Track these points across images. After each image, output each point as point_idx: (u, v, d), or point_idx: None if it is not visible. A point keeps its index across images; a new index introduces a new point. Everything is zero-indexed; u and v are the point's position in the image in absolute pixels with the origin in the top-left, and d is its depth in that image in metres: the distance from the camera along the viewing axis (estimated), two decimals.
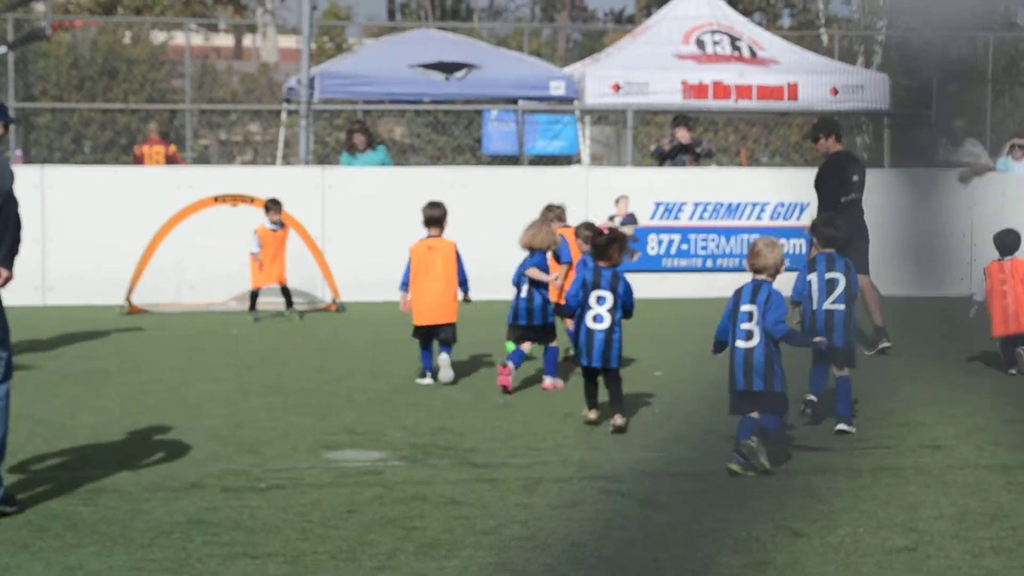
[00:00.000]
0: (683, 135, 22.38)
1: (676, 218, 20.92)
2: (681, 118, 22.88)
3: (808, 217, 20.76)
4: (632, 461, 9.89)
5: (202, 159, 30.64)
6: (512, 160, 26.84)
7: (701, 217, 20.94)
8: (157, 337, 16.56)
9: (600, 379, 11.45)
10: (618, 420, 11.13)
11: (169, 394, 12.70)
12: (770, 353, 9.92)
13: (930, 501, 8.87)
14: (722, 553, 7.71)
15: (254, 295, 18.32)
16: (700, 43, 24.71)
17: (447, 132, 29.98)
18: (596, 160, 30.34)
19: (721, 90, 23.78)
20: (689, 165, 22.21)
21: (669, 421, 11.52)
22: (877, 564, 7.58)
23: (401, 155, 30.72)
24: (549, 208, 14.85)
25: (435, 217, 13.79)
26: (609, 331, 11.29)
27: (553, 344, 13.47)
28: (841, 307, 11.28)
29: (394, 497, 8.82)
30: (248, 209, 18.72)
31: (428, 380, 13.39)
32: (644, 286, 20.57)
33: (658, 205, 20.87)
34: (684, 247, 20.94)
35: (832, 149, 15.87)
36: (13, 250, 8.37)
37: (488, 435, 10.89)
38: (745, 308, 10.03)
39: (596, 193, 20.72)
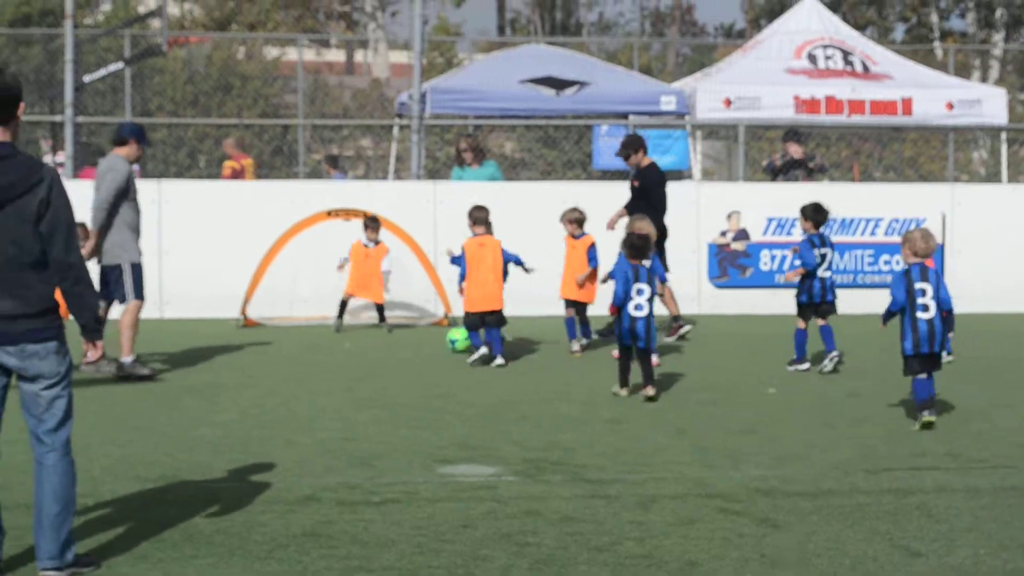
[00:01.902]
0: (795, 150, 22.24)
1: (788, 234, 20.77)
2: (793, 133, 22.76)
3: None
4: (747, 479, 9.83)
5: (315, 174, 30.89)
6: (623, 175, 26.84)
7: None
8: (271, 350, 16.71)
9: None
10: (650, 391, 13.20)
11: (283, 407, 12.80)
12: (940, 321, 11.99)
13: None
14: (838, 573, 7.64)
15: (343, 303, 18.53)
16: (812, 58, 24.56)
17: (557, 147, 30.05)
18: (707, 175, 30.23)
19: (834, 105, 23.63)
20: (802, 180, 22.06)
21: (783, 439, 11.43)
22: None
23: (511, 170, 30.80)
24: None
25: (482, 218, 16.04)
26: (648, 318, 13.42)
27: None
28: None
29: (508, 512, 8.83)
30: (360, 223, 18.86)
31: (483, 350, 15.56)
32: (757, 302, 20.58)
33: (770, 220, 20.75)
34: (797, 263, 20.75)
35: (643, 163, 17.77)
36: (92, 315, 7.56)
37: (598, 450, 10.86)
38: (919, 286, 11.98)
39: (707, 208, 20.67)
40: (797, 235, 20.69)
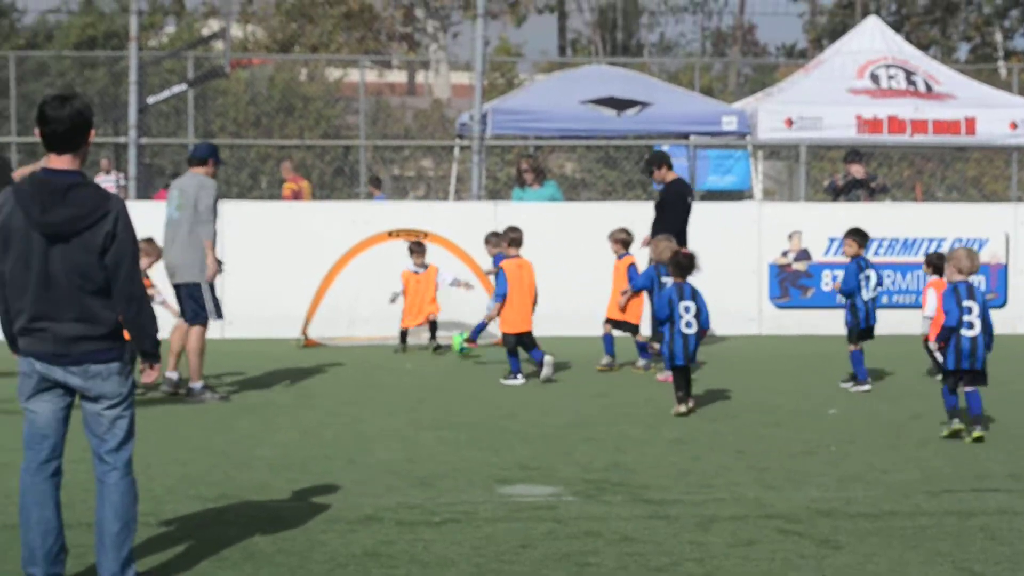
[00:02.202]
0: (857, 170, 22.15)
1: None
2: (855, 153, 22.66)
3: (988, 253, 20.45)
4: (808, 500, 9.78)
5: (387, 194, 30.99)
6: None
7: (876, 253, 20.67)
8: (332, 371, 16.76)
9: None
10: (683, 407, 13.55)
11: (344, 428, 12.83)
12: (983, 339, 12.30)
13: None
14: None
15: (403, 334, 18.64)
16: (874, 77, 24.45)
17: (618, 167, 30.03)
18: (768, 195, 30.16)
19: (896, 124, 23.49)
20: (863, 200, 21.96)
21: (845, 460, 11.37)
22: None
23: (572, 190, 30.83)
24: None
25: (518, 239, 16.30)
26: (698, 335, 13.79)
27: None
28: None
29: (568, 532, 8.81)
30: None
31: (520, 380, 15.73)
32: (818, 322, 20.47)
33: (832, 240, 20.65)
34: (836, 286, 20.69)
35: (668, 178, 17.79)
36: (152, 342, 7.59)
37: (661, 471, 10.84)
38: (966, 303, 12.25)
39: (768, 228, 20.61)
40: None
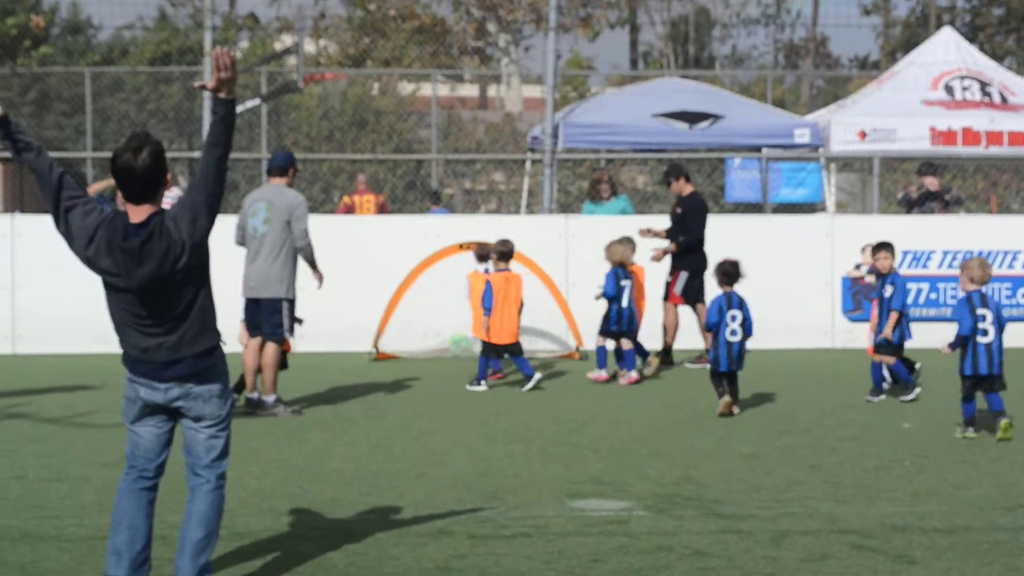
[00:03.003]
0: (931, 182, 21.99)
1: (925, 266, 20.54)
2: (929, 165, 22.50)
3: None
4: (881, 515, 9.70)
5: (448, 208, 31.05)
6: (756, 208, 26.71)
7: (951, 265, 20.52)
8: (403, 384, 16.80)
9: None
10: (736, 409, 14.30)
11: (415, 441, 12.86)
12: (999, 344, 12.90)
13: None
14: None
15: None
16: (949, 89, 24.27)
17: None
18: (841, 208, 30.00)
19: (971, 136, 23.31)
20: (937, 212, 21.81)
21: (920, 474, 11.28)
22: None
23: (643, 203, 30.77)
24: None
25: (509, 252, 16.84)
26: (742, 342, 14.41)
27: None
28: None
29: (639, 547, 8.79)
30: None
31: (483, 387, 16.34)
32: None
33: (906, 253, 20.51)
34: (933, 296, 20.56)
35: (684, 191, 18.60)
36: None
37: (732, 486, 10.79)
38: (980, 311, 12.86)
39: (841, 241, 20.49)
40: (933, 268, 20.52)
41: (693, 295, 18.46)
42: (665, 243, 18.57)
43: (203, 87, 7.48)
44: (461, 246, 18.94)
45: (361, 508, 9.87)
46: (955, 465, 11.64)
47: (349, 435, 13.14)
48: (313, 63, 39.81)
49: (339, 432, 13.31)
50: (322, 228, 20.49)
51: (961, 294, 13.28)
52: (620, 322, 16.97)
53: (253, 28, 43.90)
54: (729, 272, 14.61)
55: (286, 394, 15.16)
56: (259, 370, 14.45)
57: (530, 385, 16.24)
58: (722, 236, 20.01)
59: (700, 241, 18.45)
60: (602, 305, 17.04)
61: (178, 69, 33.76)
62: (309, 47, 40.97)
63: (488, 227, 20.29)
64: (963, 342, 12.88)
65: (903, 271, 20.37)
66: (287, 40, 41.23)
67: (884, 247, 15.59)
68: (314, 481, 10.87)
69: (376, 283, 19.34)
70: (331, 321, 19.60)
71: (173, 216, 7.22)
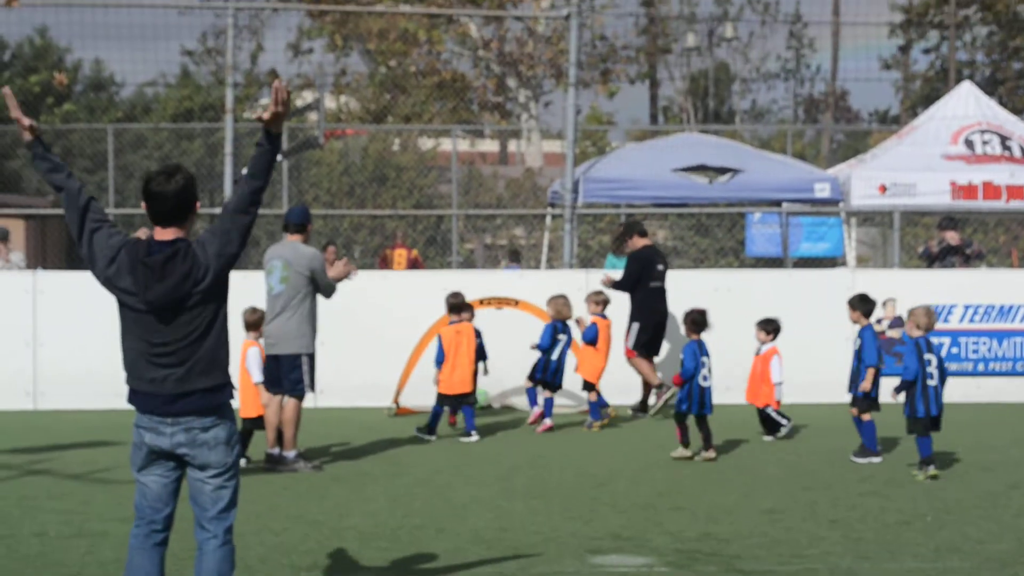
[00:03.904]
0: (952, 236, 21.98)
1: (946, 321, 20.48)
2: (949, 219, 22.48)
3: None
4: (903, 571, 9.66)
5: (468, 263, 31.11)
6: (776, 262, 26.69)
7: (972, 320, 20.48)
8: (423, 438, 16.76)
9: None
10: (712, 454, 14.93)
11: (435, 496, 12.84)
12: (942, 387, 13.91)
13: None
14: None
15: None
16: (969, 143, 24.26)
17: (710, 234, 29.98)
18: (862, 262, 29.98)
19: (991, 190, 23.28)
20: (958, 267, 21.78)
21: (941, 530, 11.23)
22: None
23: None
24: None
25: (458, 304, 17.31)
26: (710, 387, 15.10)
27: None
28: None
29: None
30: (512, 312, 18.96)
31: (433, 438, 16.56)
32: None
33: None
34: (955, 350, 20.50)
35: (638, 245, 19.33)
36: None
37: (753, 541, 10.75)
38: (926, 356, 13.84)
39: None
40: (955, 322, 20.45)
41: (642, 349, 18.91)
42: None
43: (259, 119, 7.61)
44: (481, 302, 18.94)
45: (381, 564, 9.86)
46: (977, 520, 11.59)
47: (369, 490, 13.13)
48: (334, 119, 39.98)
49: (359, 487, 13.30)
50: (344, 283, 20.53)
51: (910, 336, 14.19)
52: (546, 372, 17.67)
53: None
54: (698, 321, 15.34)
55: (306, 448, 15.15)
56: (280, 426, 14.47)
57: (467, 440, 16.60)
58: (742, 290, 20.04)
59: (657, 296, 19.13)
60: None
61: (200, 126, 33.94)
62: (330, 103, 41.17)
63: (508, 282, 20.32)
64: (909, 386, 13.85)
65: None
66: (308, 96, 41.43)
67: (861, 301, 15.71)
68: (333, 537, 10.86)
69: (396, 338, 19.33)
70: (351, 376, 19.61)
71: (202, 241, 7.30)
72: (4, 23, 47.45)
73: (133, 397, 7.40)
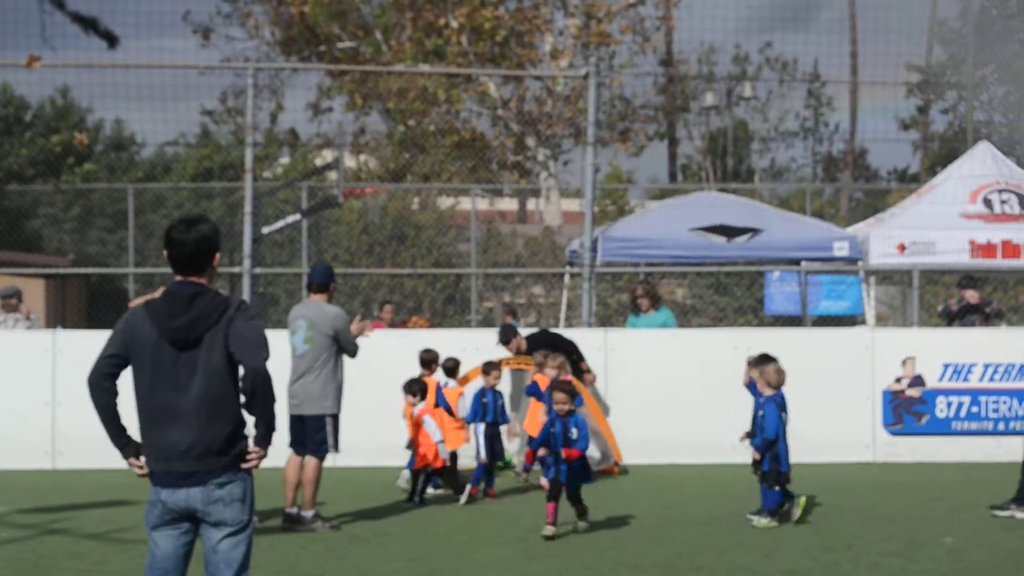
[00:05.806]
0: (972, 295, 21.94)
1: (966, 380, 20.41)
2: (969, 278, 22.45)
3: None
4: None
5: (487, 322, 31.10)
6: (795, 321, 26.65)
7: (992, 379, 20.41)
8: (443, 498, 16.73)
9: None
10: (584, 523, 14.42)
11: (455, 557, 12.79)
12: None
13: None
14: None
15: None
16: (987, 202, 24.26)
17: (729, 293, 29.96)
18: (881, 320, 29.91)
19: (1011, 249, 23.26)
20: (978, 325, 21.72)
21: None
22: None
23: (683, 316, 30.75)
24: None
25: (428, 360, 17.49)
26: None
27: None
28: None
29: None
30: (528, 372, 18.94)
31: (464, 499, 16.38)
32: (933, 449, 20.18)
33: (947, 366, 20.41)
34: (974, 409, 20.40)
35: (522, 346, 19.12)
36: (270, 427, 7.60)
37: None
38: (783, 415, 14.58)
39: (882, 354, 20.40)
40: (975, 381, 20.37)
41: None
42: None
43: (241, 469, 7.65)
44: (501, 361, 18.92)
45: None
46: None
47: (387, 551, 13.10)
48: (353, 178, 40.07)
49: (377, 547, 13.27)
50: (362, 342, 20.53)
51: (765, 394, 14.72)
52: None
53: (294, 144, 44.32)
54: (568, 391, 14.76)
55: (325, 508, 15.13)
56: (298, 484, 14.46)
57: (411, 500, 16.46)
58: (761, 349, 19.95)
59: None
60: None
61: (219, 185, 34.05)
62: (349, 162, 41.29)
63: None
64: (771, 445, 14.47)
65: (944, 384, 20.28)
66: (327, 156, 41.59)
67: (763, 360, 15.32)
68: None
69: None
70: (369, 438, 19.57)
71: (232, 320, 7.35)
72: (26, 83, 47.90)
73: (148, 454, 7.40)
